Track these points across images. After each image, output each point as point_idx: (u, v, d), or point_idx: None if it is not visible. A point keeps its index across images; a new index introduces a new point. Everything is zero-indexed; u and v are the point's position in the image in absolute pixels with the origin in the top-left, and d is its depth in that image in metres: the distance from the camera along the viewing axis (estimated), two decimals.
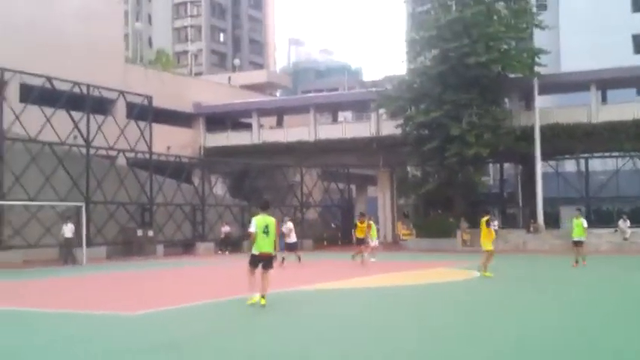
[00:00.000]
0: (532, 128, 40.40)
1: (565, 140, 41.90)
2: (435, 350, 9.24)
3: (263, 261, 12.95)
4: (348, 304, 14.29)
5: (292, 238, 25.96)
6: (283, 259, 24.16)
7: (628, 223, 37.79)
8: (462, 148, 39.27)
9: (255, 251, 12.87)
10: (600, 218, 42.78)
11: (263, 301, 12.77)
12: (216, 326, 11.36)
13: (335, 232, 50.51)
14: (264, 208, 13.45)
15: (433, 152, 40.90)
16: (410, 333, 10.48)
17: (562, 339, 9.83)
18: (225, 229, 39.64)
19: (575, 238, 25.15)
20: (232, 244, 39.36)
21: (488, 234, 20.40)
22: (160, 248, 36.48)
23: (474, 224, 43.53)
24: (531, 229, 40.18)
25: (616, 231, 38.03)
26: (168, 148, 43.87)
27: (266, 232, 12.72)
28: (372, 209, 49.83)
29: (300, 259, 26.20)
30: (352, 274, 22.24)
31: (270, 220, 12.97)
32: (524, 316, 12.27)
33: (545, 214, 40.92)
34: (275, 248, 13.05)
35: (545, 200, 40.55)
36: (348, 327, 11.08)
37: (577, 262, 24.37)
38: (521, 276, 22.98)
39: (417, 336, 10.28)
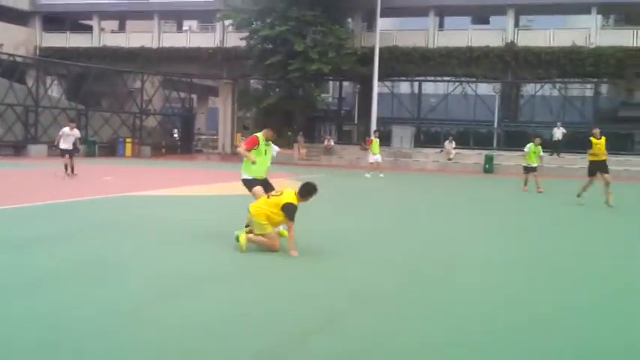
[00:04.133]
0: (372, 49, 41.75)
1: (402, 63, 43.76)
2: None
3: None
4: (178, 209, 14.79)
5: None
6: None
7: (453, 144, 40.37)
8: (305, 64, 40.12)
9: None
10: (429, 139, 45.29)
11: None
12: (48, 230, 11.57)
13: (174, 140, 50.41)
14: None
15: (276, 67, 41.49)
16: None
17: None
18: None
19: (524, 164, 24.86)
20: None
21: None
22: None
23: (312, 139, 45.19)
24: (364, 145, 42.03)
25: (441, 151, 40.57)
26: (1, 45, 41.76)
27: None
28: (212, 120, 50.01)
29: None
30: (188, 182, 22.71)
31: None
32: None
33: (379, 132, 42.80)
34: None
35: (379, 119, 42.35)
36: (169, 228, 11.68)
37: (525, 184, 23.59)
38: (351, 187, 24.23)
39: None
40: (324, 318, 6.12)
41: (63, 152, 22.20)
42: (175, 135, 51.19)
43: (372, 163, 29.87)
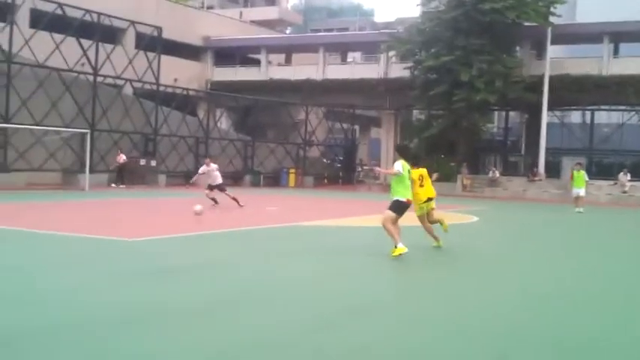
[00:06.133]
0: (542, 78, 40.25)
1: (573, 91, 41.76)
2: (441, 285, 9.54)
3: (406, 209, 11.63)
4: (358, 238, 14.54)
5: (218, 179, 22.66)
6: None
7: (628, 176, 37.99)
8: (470, 94, 39.33)
9: (400, 197, 11.40)
10: (601, 171, 42.91)
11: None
12: (211, 255, 11.64)
13: (336, 171, 50.81)
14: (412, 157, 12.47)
15: (440, 97, 40.92)
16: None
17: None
18: (122, 158, 34.34)
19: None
20: (129, 175, 34.72)
21: None
22: (163, 178, 36.87)
23: (476, 170, 44.07)
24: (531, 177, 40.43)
25: (615, 183, 38.24)
26: (175, 80, 43.90)
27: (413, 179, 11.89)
28: (374, 151, 49.99)
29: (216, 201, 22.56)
30: (357, 212, 22.55)
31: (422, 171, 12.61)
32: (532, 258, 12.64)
33: (547, 163, 41.15)
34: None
35: (548, 150, 40.68)
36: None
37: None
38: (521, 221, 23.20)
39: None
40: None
41: (210, 186, 22.44)
42: (338, 165, 51.63)
43: (576, 197, 27.23)
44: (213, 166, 22.76)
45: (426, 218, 12.93)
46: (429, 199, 12.82)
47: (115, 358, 5.41)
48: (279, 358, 5.57)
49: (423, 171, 12.85)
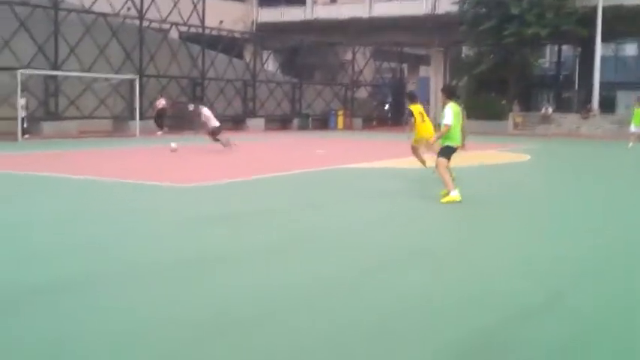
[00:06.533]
0: (594, 9, 38.89)
1: (628, 23, 40.29)
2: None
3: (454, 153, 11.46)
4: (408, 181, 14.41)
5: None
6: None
7: None
8: (521, 28, 38.30)
9: (450, 143, 11.17)
10: None
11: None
12: (267, 200, 11.61)
13: (385, 112, 50.35)
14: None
15: (490, 32, 39.94)
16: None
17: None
18: (161, 102, 33.64)
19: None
20: (169, 121, 34.11)
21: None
22: None
23: (528, 107, 43.20)
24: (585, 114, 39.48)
25: None
26: (221, 22, 43.56)
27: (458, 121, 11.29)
28: (423, 90, 49.31)
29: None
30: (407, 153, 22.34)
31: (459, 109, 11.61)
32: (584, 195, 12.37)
33: (601, 98, 40.05)
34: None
35: (602, 84, 39.55)
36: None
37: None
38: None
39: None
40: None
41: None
42: (387, 106, 51.14)
43: (632, 133, 26.23)
44: (205, 110, 22.16)
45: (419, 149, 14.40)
46: (428, 139, 13.44)
47: (203, 291, 5.79)
48: (344, 293, 5.79)
49: (422, 108, 14.60)
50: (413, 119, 14.34)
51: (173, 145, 20.62)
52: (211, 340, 4.54)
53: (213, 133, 21.81)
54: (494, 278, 6.45)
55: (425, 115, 14.54)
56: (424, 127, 14.20)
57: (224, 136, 22.06)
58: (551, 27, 38.50)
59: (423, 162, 14.52)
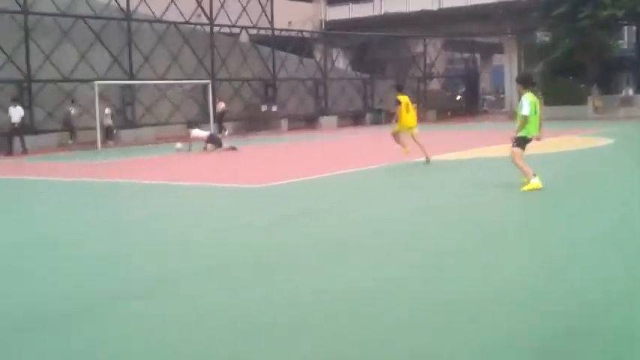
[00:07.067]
0: None
1: None
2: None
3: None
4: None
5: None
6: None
7: None
8: (596, 10, 37.13)
9: (526, 134, 10.89)
10: None
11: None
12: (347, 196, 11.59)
13: (459, 102, 49.65)
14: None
15: (563, 16, 38.83)
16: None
17: None
18: (220, 105, 33.00)
19: None
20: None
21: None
22: (284, 123, 37.15)
23: (608, 91, 41.86)
24: None
25: None
26: (290, 23, 43.78)
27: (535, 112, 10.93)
28: (497, 78, 48.45)
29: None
30: (483, 142, 21.95)
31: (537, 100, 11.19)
32: None
33: None
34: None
35: None
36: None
37: None
38: None
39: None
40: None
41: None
42: (459, 97, 50.44)
43: None
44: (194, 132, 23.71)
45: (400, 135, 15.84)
46: (410, 128, 15.65)
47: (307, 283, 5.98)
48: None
49: (408, 99, 15.96)
50: (399, 108, 15.64)
51: (178, 145, 22.56)
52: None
53: (217, 143, 22.61)
54: (581, 265, 6.21)
55: (410, 105, 15.88)
56: (408, 117, 15.66)
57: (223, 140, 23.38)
58: (627, 7, 37.24)
59: (404, 146, 15.70)
